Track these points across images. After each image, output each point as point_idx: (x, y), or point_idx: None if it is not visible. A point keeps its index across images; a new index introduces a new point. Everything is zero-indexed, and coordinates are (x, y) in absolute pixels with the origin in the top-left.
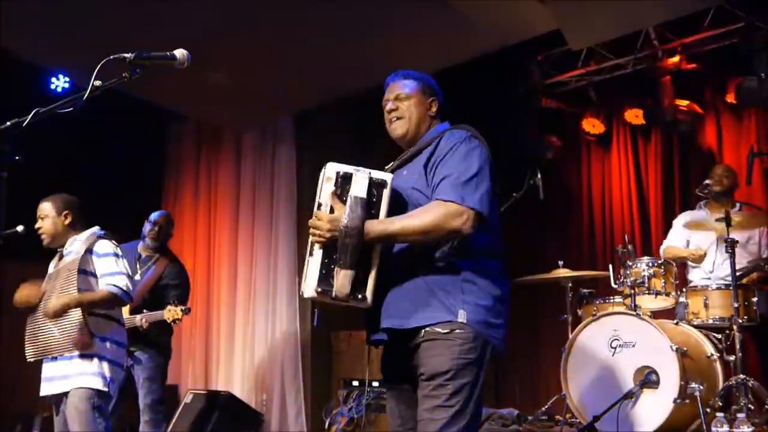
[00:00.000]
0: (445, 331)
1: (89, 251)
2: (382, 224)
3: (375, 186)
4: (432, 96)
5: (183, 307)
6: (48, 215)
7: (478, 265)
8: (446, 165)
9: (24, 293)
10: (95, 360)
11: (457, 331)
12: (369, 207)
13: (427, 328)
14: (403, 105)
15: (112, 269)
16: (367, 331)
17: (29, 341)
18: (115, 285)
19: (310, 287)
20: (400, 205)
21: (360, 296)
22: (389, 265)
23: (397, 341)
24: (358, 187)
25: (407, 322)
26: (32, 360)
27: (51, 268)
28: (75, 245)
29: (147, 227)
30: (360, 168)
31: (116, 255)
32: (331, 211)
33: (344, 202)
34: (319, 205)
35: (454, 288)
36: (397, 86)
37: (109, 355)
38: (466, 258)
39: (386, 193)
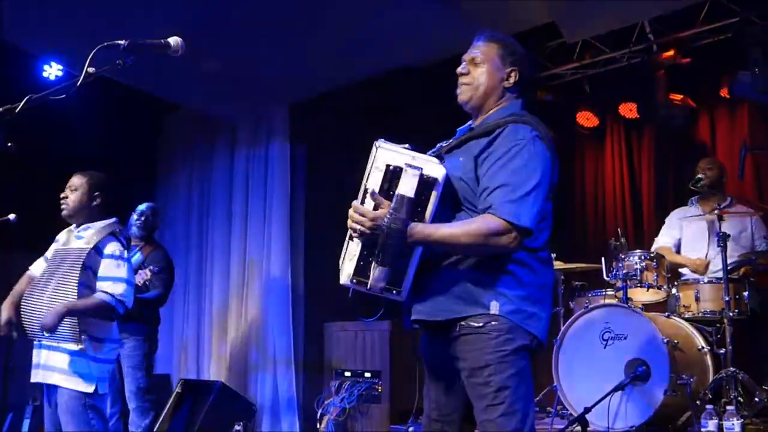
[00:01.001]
0: (479, 324)
1: (97, 249)
2: (427, 230)
3: (425, 185)
4: (512, 66)
5: (151, 267)
6: (78, 189)
7: (517, 256)
8: (505, 169)
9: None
10: (84, 360)
11: (493, 323)
12: (416, 204)
13: (462, 322)
14: (475, 71)
15: (112, 274)
16: (403, 317)
17: (25, 319)
18: (109, 293)
19: (345, 275)
20: (447, 194)
21: (395, 291)
22: (426, 251)
23: (432, 329)
24: (407, 186)
25: (437, 314)
26: (29, 338)
27: (58, 243)
28: (88, 232)
29: (134, 217)
30: (413, 159)
31: (121, 258)
32: (375, 206)
33: (390, 197)
34: (365, 191)
35: (489, 279)
36: (477, 48)
37: (100, 354)
38: None
39: (435, 194)
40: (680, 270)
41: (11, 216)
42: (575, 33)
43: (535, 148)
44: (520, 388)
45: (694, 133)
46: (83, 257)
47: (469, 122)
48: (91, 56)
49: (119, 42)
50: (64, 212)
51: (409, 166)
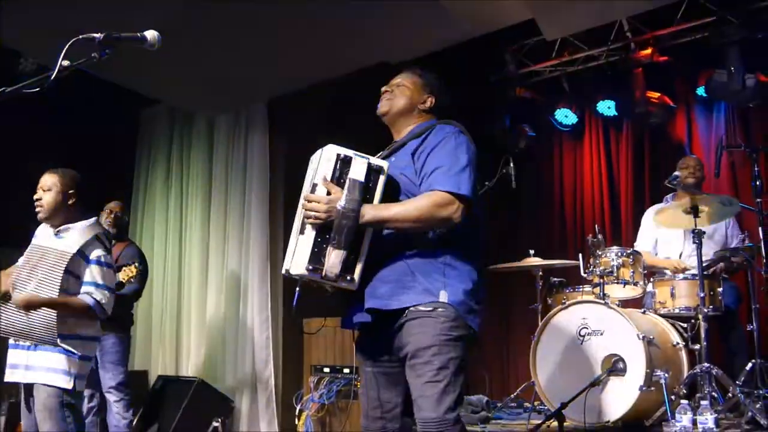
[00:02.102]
0: (428, 309)
1: (81, 253)
2: (377, 209)
3: (373, 172)
4: (430, 93)
5: (134, 263)
6: (52, 189)
7: (461, 250)
8: (437, 156)
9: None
10: (63, 356)
11: (440, 309)
12: (365, 191)
13: (411, 308)
14: (395, 90)
15: (97, 280)
16: (347, 315)
17: (3, 317)
18: (93, 297)
19: (299, 264)
20: (391, 189)
21: (349, 278)
22: (374, 248)
23: (378, 323)
24: (357, 171)
25: (390, 303)
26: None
27: (38, 239)
28: (69, 233)
29: (103, 216)
30: (358, 153)
31: (107, 265)
32: (328, 193)
33: (341, 185)
34: (314, 185)
35: (436, 271)
36: (401, 76)
37: (78, 351)
38: (448, 244)
39: (382, 179)
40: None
41: None
42: (555, 30)
43: (460, 138)
44: (458, 372)
45: (672, 130)
46: (65, 261)
47: (392, 144)
48: (65, 49)
49: (95, 35)
50: (40, 215)
51: (357, 155)
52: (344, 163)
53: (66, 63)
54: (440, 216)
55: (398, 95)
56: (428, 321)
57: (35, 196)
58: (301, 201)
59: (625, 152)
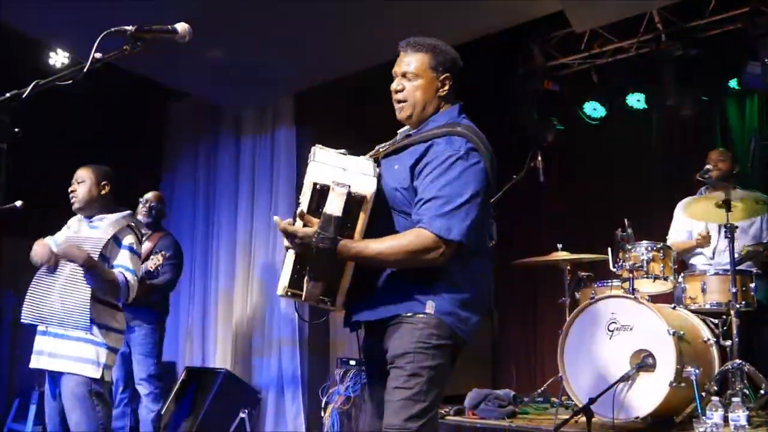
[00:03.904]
0: (409, 314)
1: (116, 239)
2: (356, 248)
3: (353, 202)
4: (444, 72)
5: (163, 252)
6: (86, 181)
7: (453, 260)
8: (437, 182)
9: (39, 251)
10: (93, 346)
11: (420, 316)
12: (345, 221)
13: (397, 318)
14: (408, 86)
15: (127, 264)
16: (346, 314)
17: (29, 302)
18: (124, 276)
19: (281, 287)
20: (380, 205)
21: (329, 302)
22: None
23: (370, 331)
24: (334, 205)
25: (375, 314)
26: (26, 322)
27: (70, 230)
28: (103, 222)
29: (139, 206)
30: (344, 172)
31: (137, 253)
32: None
33: (320, 215)
34: (300, 213)
35: (428, 280)
36: (406, 60)
37: (107, 342)
38: None
39: (364, 211)
40: (689, 262)
41: (18, 203)
42: (584, 22)
43: (470, 160)
44: (432, 381)
45: (703, 123)
46: (100, 247)
47: (405, 131)
48: (98, 41)
49: (126, 28)
50: (75, 205)
51: (337, 184)
52: (321, 194)
53: (98, 55)
54: (421, 260)
55: (411, 94)
56: (406, 327)
57: (70, 189)
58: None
59: (654, 146)
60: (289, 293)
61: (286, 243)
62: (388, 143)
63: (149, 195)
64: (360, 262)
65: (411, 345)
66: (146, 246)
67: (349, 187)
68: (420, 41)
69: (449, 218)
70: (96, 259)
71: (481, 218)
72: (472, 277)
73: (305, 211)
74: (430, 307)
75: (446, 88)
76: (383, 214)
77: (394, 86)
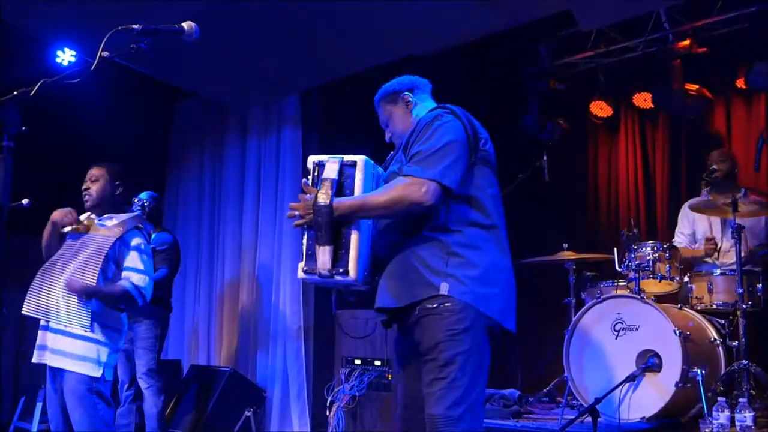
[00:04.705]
0: (433, 306)
1: (123, 240)
2: (349, 200)
3: (346, 167)
4: (399, 95)
5: (153, 246)
6: (99, 180)
7: (465, 236)
8: (415, 145)
9: (61, 213)
10: (94, 345)
11: (446, 304)
12: (341, 187)
13: (419, 306)
14: (391, 127)
15: (137, 266)
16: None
17: (32, 294)
18: (133, 284)
19: (299, 269)
20: (384, 185)
21: (342, 270)
22: (382, 244)
23: (397, 319)
24: (329, 171)
25: (396, 300)
26: (27, 314)
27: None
28: (112, 222)
29: (134, 206)
30: (339, 156)
31: (146, 252)
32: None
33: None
34: (303, 184)
35: (439, 261)
36: (380, 112)
37: (108, 341)
38: (451, 231)
39: (359, 174)
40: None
41: (24, 201)
42: (591, 21)
43: (442, 119)
44: (467, 364)
45: (710, 123)
46: (107, 247)
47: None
48: (105, 40)
49: (133, 26)
50: (87, 203)
51: (333, 157)
52: (319, 166)
53: (106, 54)
54: (408, 200)
55: (393, 130)
56: (434, 318)
57: (83, 187)
58: None
59: (661, 146)
60: (306, 269)
61: (294, 217)
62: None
63: (143, 195)
64: (356, 214)
65: (440, 334)
66: None
67: (342, 157)
68: (379, 94)
69: (424, 162)
70: (99, 264)
71: (462, 164)
72: (486, 253)
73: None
74: (444, 288)
75: (410, 102)
76: None
77: (384, 128)
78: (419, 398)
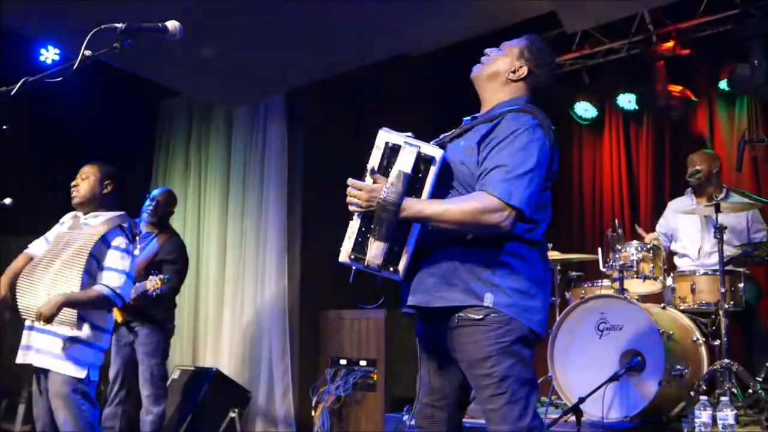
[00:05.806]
0: (479, 317)
1: (104, 239)
2: (420, 204)
3: (422, 162)
4: (524, 60)
5: (161, 276)
6: (89, 177)
7: (515, 248)
8: (502, 152)
9: None
10: (79, 345)
11: (493, 315)
12: (414, 182)
13: (461, 314)
14: (493, 52)
15: (116, 266)
16: (401, 300)
17: (21, 299)
18: (110, 287)
19: (344, 252)
20: (447, 179)
21: (392, 269)
22: (425, 237)
23: (429, 316)
24: (404, 162)
25: (433, 300)
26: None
27: (63, 226)
28: (96, 221)
29: (146, 203)
30: (411, 140)
31: (126, 252)
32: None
33: (389, 175)
34: (371, 170)
35: (485, 269)
36: (508, 43)
37: (94, 341)
38: (503, 240)
39: (433, 171)
40: (676, 262)
41: (7, 200)
42: (576, 23)
43: (535, 134)
44: (522, 376)
45: (693, 124)
46: (90, 245)
47: (471, 116)
48: (88, 39)
49: (117, 25)
50: (75, 200)
51: (408, 143)
52: (393, 151)
53: (88, 53)
54: (485, 222)
55: (491, 61)
56: (481, 330)
57: (73, 183)
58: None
59: (645, 146)
60: (352, 257)
61: (351, 200)
62: (452, 131)
63: (156, 193)
64: (423, 221)
65: (490, 348)
66: (153, 247)
67: (419, 147)
68: (526, 38)
69: (512, 184)
70: (82, 263)
71: (538, 189)
72: (532, 264)
73: (375, 169)
74: (488, 299)
75: (517, 73)
76: (448, 188)
77: (486, 50)
78: (442, 397)
